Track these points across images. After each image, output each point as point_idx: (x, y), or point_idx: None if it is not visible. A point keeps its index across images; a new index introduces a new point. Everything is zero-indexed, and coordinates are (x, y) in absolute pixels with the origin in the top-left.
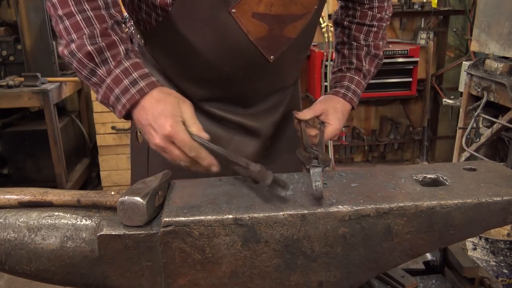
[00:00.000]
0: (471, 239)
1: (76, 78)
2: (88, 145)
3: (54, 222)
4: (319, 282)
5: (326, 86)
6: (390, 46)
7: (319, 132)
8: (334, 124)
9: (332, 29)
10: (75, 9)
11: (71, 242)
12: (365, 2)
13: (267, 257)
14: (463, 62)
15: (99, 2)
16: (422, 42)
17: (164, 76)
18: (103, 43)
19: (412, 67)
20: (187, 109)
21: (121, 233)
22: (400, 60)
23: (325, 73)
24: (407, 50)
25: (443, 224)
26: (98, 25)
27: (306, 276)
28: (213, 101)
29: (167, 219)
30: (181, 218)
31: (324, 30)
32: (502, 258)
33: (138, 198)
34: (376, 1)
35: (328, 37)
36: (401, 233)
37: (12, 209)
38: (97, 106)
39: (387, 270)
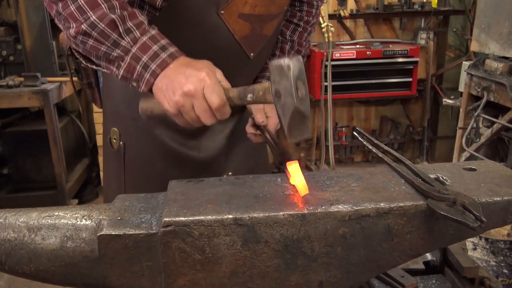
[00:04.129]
0: (471, 239)
1: (75, 78)
2: (88, 145)
3: (54, 222)
4: (319, 282)
5: (326, 86)
6: (390, 46)
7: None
8: (272, 115)
9: (332, 29)
10: None
11: (71, 242)
12: (296, 4)
13: (267, 257)
14: (463, 62)
15: None
16: (422, 42)
17: None
18: (125, 13)
19: (412, 67)
20: (219, 71)
21: (121, 233)
22: (400, 60)
23: (325, 73)
24: (407, 50)
25: (443, 224)
26: (115, 0)
27: (306, 276)
28: None
29: (167, 219)
30: (181, 218)
31: (324, 30)
32: (502, 258)
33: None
34: (306, 6)
35: (328, 37)
36: (401, 233)
37: (12, 209)
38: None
39: (387, 270)
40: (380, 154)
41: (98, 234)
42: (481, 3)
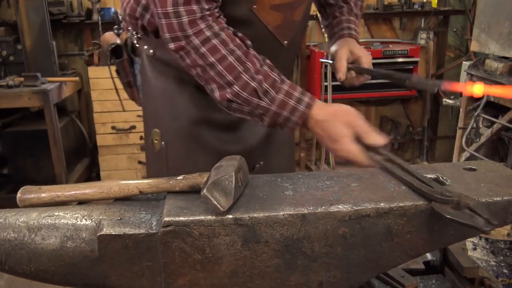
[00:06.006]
0: (471, 239)
1: (76, 78)
2: (88, 145)
3: (54, 222)
4: (319, 282)
5: (326, 86)
6: (390, 46)
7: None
8: (362, 54)
9: None
10: (225, 51)
11: (71, 242)
12: None
13: (267, 257)
14: (463, 62)
15: (237, 39)
16: (422, 42)
17: (178, 81)
18: (259, 76)
19: (412, 67)
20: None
21: (121, 233)
22: (400, 60)
23: (325, 73)
24: (407, 50)
25: (443, 224)
26: (248, 62)
27: (306, 276)
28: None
29: (167, 219)
30: (181, 218)
31: (324, 30)
32: (502, 258)
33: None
34: None
35: None
36: (401, 233)
37: (12, 209)
38: (97, 106)
39: (387, 270)
40: (378, 158)
41: (98, 234)
42: (481, 3)
